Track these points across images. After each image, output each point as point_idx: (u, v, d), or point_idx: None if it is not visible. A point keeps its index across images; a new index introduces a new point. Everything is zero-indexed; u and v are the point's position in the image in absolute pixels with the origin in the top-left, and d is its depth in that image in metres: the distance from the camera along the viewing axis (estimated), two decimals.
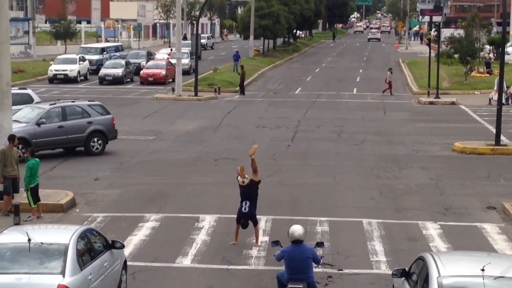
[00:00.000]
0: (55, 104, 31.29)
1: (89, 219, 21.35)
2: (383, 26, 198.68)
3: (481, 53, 63.59)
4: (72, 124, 30.43)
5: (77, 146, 30.94)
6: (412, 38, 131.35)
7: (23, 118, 29.88)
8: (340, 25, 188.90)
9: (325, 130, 38.21)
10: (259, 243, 19.06)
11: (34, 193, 21.28)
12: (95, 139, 30.92)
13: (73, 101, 32.92)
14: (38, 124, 29.67)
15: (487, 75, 62.06)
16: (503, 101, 36.10)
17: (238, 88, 55.51)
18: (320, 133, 37.20)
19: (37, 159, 21.69)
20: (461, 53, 61.25)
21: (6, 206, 21.61)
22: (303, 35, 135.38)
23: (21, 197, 21.69)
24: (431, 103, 49.51)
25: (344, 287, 16.46)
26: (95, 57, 67.39)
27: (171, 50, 72.34)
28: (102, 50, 69.72)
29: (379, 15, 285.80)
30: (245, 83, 60.84)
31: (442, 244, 19.28)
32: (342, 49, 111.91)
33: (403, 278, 13.62)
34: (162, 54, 72.48)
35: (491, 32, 77.92)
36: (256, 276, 17.05)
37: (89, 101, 33.32)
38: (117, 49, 72.70)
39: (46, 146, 29.81)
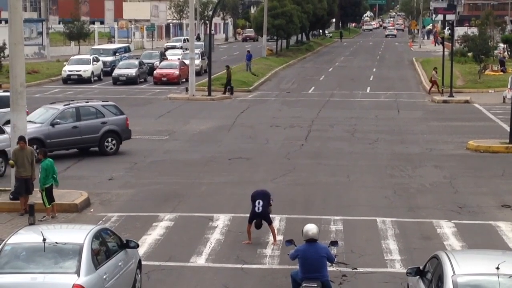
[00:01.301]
0: (69, 104, 31.40)
1: (104, 219, 21.41)
2: (396, 24, 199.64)
3: (495, 51, 63.33)
4: (86, 124, 30.53)
5: (91, 146, 31.03)
6: (425, 37, 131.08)
7: (38, 119, 30.00)
8: (354, 24, 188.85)
9: (339, 129, 38.18)
10: (277, 242, 19.06)
11: (48, 193, 21.35)
12: (109, 139, 31.01)
13: (87, 102, 33.02)
14: (53, 124, 29.77)
15: (501, 73, 61.84)
16: None
17: (222, 87, 54.37)
18: (334, 132, 37.18)
19: (51, 160, 21.74)
20: (475, 51, 61.04)
21: (21, 206, 21.69)
22: (327, 33, 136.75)
23: (36, 197, 21.77)
24: (444, 101, 49.38)
25: (359, 285, 16.45)
26: (109, 58, 67.54)
27: (183, 51, 72.28)
28: (114, 51, 69.84)
29: (393, 13, 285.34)
30: (258, 83, 60.99)
31: (456, 243, 19.23)
32: (355, 48, 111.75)
33: (418, 277, 13.60)
34: (169, 56, 72.20)
35: (505, 30, 77.67)
36: (270, 275, 17.06)
37: (103, 101, 33.42)
38: (126, 50, 72.86)
39: (61, 147, 29.93)
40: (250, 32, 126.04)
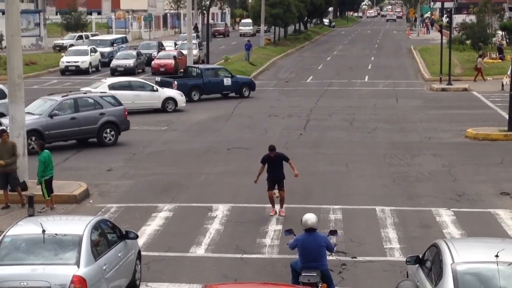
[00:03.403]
0: (67, 95, 31.37)
1: (103, 210, 21.41)
2: (395, 11, 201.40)
3: (493, 39, 63.23)
4: (85, 115, 30.49)
5: (90, 138, 31.01)
6: (422, 25, 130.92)
7: (36, 110, 29.98)
8: (351, 13, 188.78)
9: (337, 118, 38.17)
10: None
11: (48, 185, 21.34)
12: (108, 130, 30.98)
13: (85, 93, 32.96)
14: (51, 116, 29.74)
15: (500, 60, 61.77)
16: None
17: None
18: (332, 122, 37.16)
19: (48, 151, 21.66)
20: (473, 39, 60.98)
21: (4, 199, 21.56)
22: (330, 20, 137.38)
23: (35, 189, 21.74)
24: (443, 89, 49.35)
25: (358, 274, 16.47)
26: (107, 49, 67.40)
27: (176, 45, 71.78)
28: (112, 42, 69.67)
29: (392, 0, 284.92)
30: (256, 73, 60.88)
31: (455, 231, 19.25)
32: (353, 37, 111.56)
33: (417, 265, 13.62)
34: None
35: (503, 18, 77.46)
36: (270, 264, 17.08)
37: (101, 92, 33.36)
38: (123, 40, 72.69)
39: (59, 138, 29.93)
40: (220, 26, 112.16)
